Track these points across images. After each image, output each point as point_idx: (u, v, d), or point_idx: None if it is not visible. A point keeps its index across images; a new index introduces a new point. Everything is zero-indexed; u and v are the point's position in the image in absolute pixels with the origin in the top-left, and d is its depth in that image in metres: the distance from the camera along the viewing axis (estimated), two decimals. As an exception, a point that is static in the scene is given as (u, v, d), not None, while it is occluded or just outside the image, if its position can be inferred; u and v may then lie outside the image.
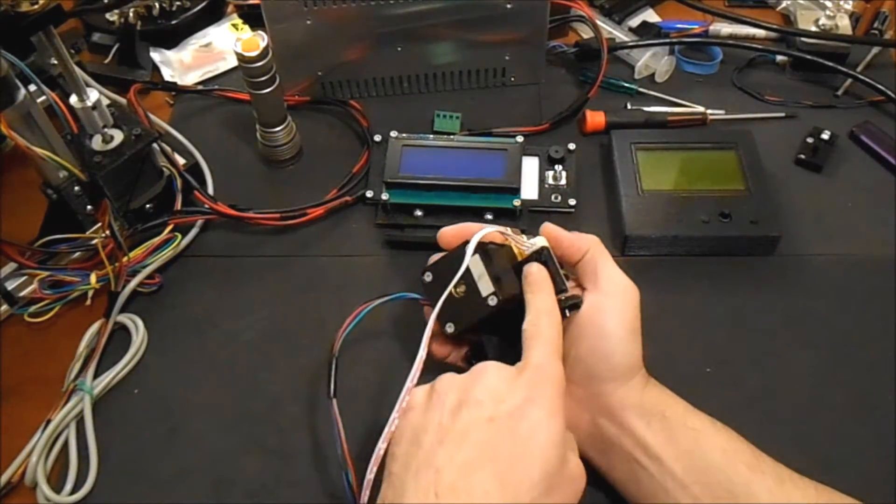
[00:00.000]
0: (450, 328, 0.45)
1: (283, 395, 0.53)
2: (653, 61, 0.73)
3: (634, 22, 0.79)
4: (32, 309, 0.56)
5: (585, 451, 0.44)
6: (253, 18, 0.80)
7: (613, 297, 0.45)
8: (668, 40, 0.73)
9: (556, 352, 0.40)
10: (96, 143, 0.55)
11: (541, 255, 0.45)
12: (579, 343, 0.45)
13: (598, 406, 0.45)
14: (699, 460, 0.42)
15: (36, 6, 0.47)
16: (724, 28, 0.77)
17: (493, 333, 0.46)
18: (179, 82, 0.74)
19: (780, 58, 0.74)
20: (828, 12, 0.73)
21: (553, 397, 0.38)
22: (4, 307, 0.56)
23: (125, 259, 0.56)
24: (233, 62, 0.76)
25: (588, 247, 0.46)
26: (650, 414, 0.44)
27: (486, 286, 0.44)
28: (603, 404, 0.45)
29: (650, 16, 0.80)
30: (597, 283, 0.45)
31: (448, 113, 0.69)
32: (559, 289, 0.44)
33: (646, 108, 0.69)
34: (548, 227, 0.48)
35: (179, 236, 0.60)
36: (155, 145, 0.58)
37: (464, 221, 0.48)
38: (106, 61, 0.76)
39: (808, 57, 0.71)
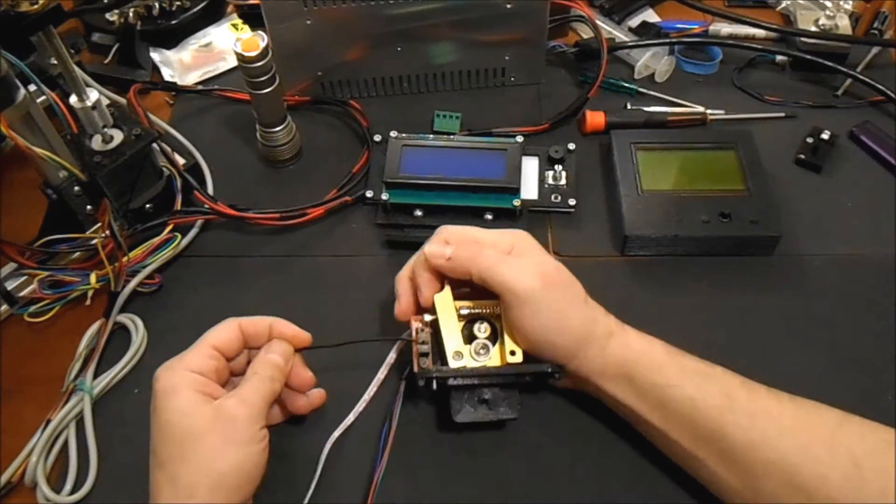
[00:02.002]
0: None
1: (283, 395, 0.53)
2: (653, 61, 0.73)
3: (634, 22, 0.79)
4: (32, 309, 0.56)
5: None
6: (253, 18, 0.80)
7: (518, 307, 0.46)
8: (668, 40, 0.73)
9: (236, 406, 0.42)
10: (96, 143, 0.55)
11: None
12: (522, 339, 0.47)
13: (569, 374, 0.48)
14: (671, 413, 0.45)
15: (36, 6, 0.47)
16: (724, 28, 0.77)
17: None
18: (179, 82, 0.74)
19: (779, 58, 0.74)
20: (828, 12, 0.73)
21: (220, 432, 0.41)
22: (4, 307, 0.56)
23: (125, 259, 0.56)
24: (233, 62, 0.76)
25: (467, 268, 0.47)
26: (616, 377, 0.46)
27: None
28: (571, 373, 0.47)
29: (650, 16, 0.80)
30: (501, 295, 0.46)
31: (448, 113, 0.69)
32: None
33: (646, 108, 0.69)
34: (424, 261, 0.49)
35: (179, 236, 0.60)
36: (155, 145, 0.58)
37: (462, 224, 0.51)
38: (106, 61, 0.76)
39: (808, 57, 0.71)
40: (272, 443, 0.44)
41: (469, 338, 0.49)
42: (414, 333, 0.49)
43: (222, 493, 0.40)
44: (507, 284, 0.45)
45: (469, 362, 0.48)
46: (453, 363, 0.47)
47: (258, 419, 0.43)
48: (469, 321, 0.49)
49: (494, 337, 0.49)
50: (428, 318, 0.49)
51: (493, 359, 0.48)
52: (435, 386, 0.47)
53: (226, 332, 0.46)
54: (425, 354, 0.48)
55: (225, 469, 0.41)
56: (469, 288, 0.49)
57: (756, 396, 0.44)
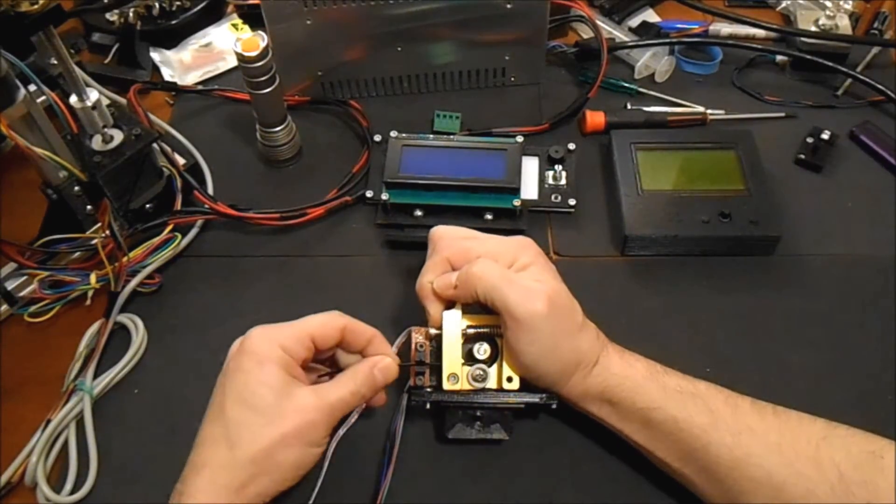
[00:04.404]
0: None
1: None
2: (653, 61, 0.73)
3: (634, 22, 0.79)
4: (32, 309, 0.56)
5: None
6: (253, 18, 0.80)
7: (517, 331, 0.45)
8: (668, 40, 0.73)
9: (321, 410, 0.43)
10: (96, 143, 0.55)
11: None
12: (514, 361, 0.47)
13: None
14: (655, 433, 0.45)
15: (36, 6, 0.47)
16: (724, 28, 0.77)
17: None
18: (179, 82, 0.74)
19: (780, 58, 0.74)
20: (828, 12, 0.73)
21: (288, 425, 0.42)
22: (4, 307, 0.56)
23: (125, 259, 0.56)
24: (233, 62, 0.76)
25: (473, 288, 0.46)
26: (598, 401, 0.46)
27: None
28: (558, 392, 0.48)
29: (650, 16, 0.80)
30: (502, 317, 0.46)
31: (448, 113, 0.69)
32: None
33: (646, 108, 0.69)
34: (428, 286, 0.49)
35: (179, 236, 0.60)
36: (155, 145, 0.58)
37: (463, 223, 0.51)
38: (106, 61, 0.76)
39: (808, 57, 0.71)
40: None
41: (469, 357, 0.48)
42: (413, 348, 0.49)
43: (269, 478, 0.41)
44: (509, 308, 0.44)
45: (464, 385, 0.47)
46: (447, 385, 0.47)
47: (331, 426, 0.44)
48: (472, 339, 0.48)
49: (496, 354, 0.48)
50: (433, 331, 0.49)
51: (490, 381, 0.48)
52: (428, 406, 0.48)
53: (328, 329, 0.46)
54: (422, 374, 0.48)
55: (283, 461, 0.41)
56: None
57: (740, 413, 0.44)
